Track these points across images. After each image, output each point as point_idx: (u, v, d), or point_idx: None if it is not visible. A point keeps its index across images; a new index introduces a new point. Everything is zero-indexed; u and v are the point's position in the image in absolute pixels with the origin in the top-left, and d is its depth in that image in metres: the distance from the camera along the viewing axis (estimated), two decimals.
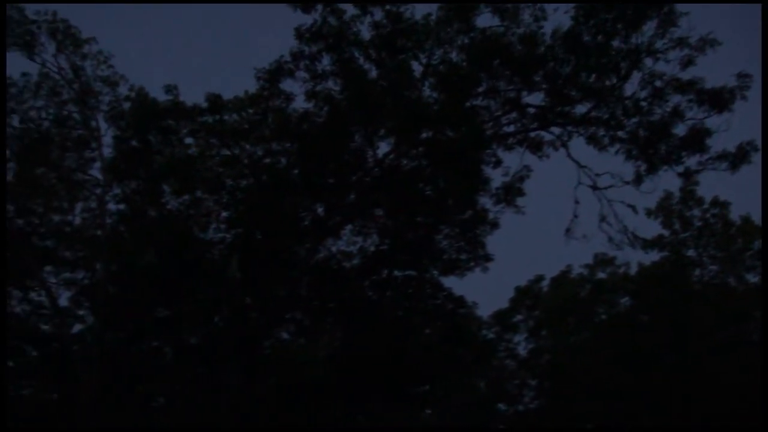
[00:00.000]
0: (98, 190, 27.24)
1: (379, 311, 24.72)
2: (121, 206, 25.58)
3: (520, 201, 24.22)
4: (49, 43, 26.18)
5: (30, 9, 25.39)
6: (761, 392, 24.81)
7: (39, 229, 27.77)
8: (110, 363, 24.65)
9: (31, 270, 26.07)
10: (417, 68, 22.66)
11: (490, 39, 22.04)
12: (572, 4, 21.50)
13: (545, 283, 39.48)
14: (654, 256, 32.75)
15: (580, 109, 22.93)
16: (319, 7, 21.67)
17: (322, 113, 22.44)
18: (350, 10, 21.92)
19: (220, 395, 23.13)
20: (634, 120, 22.56)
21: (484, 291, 28.22)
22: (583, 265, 38.18)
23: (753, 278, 33.05)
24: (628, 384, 32.66)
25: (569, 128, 23.38)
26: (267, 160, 24.05)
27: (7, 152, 26.25)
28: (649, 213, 32.02)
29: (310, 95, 22.30)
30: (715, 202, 33.14)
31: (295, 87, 22.54)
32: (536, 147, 23.72)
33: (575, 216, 23.84)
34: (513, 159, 23.86)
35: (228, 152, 24.36)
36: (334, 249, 25.27)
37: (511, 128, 23.80)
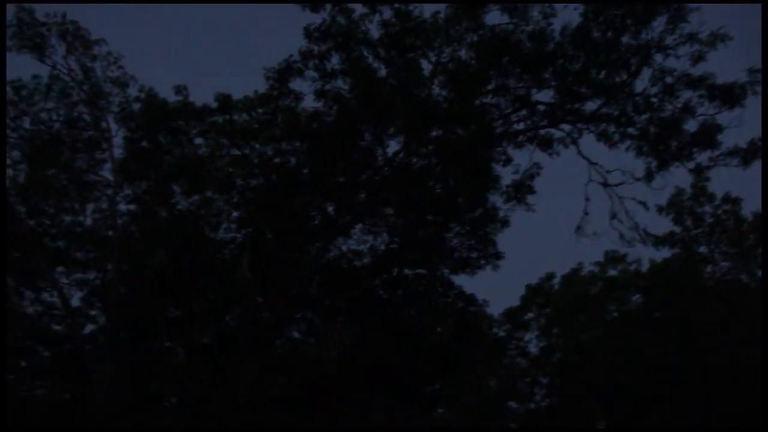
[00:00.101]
0: (109, 191, 27.32)
1: (389, 310, 24.69)
2: (132, 207, 25.65)
3: (530, 199, 24.20)
4: (59, 45, 26.31)
5: (40, 11, 25.53)
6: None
7: (50, 230, 27.87)
8: (122, 363, 24.70)
9: (42, 271, 26.15)
10: (426, 66, 22.73)
11: (499, 36, 22.01)
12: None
13: (556, 281, 39.44)
14: (665, 252, 32.76)
15: (591, 105, 22.94)
16: (328, 6, 21.69)
17: (331, 112, 22.44)
18: (359, 9, 21.98)
19: (232, 395, 23.16)
20: (645, 116, 22.52)
21: (494, 289, 28.12)
22: (594, 262, 38.19)
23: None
24: (639, 382, 32.56)
25: (579, 125, 23.34)
26: (277, 160, 24.06)
27: (19, 154, 26.41)
28: (660, 209, 31.91)
29: (320, 94, 22.31)
30: (727, 199, 33.00)
31: (304, 86, 22.61)
32: (546, 144, 23.69)
33: (586, 213, 23.84)
34: (523, 157, 23.97)
35: (238, 152, 24.40)
36: (344, 248, 25.26)
37: (521, 126, 23.80)
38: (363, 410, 27.66)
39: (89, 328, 28.18)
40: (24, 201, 27.21)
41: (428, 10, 22.22)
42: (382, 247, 25.04)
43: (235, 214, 25.05)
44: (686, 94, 21.93)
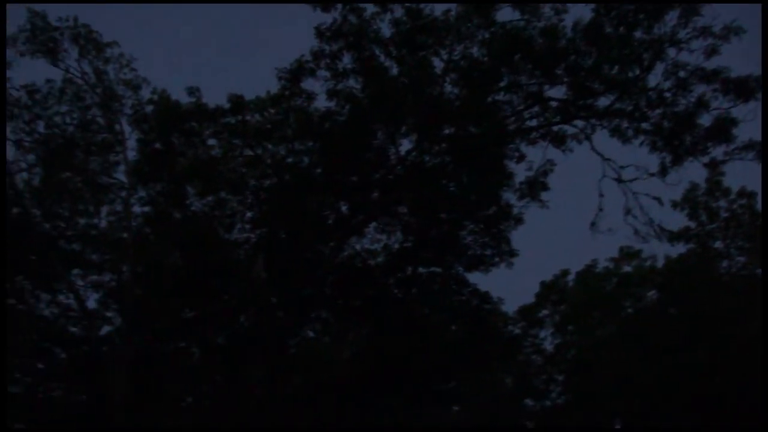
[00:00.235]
0: (123, 193, 27.40)
1: (404, 309, 24.71)
2: (146, 208, 25.80)
3: (544, 195, 24.13)
4: (72, 49, 26.39)
5: (52, 16, 25.66)
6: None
7: (66, 233, 28.01)
8: (138, 364, 24.82)
9: (58, 273, 26.30)
10: (438, 64, 22.63)
11: (510, 33, 21.92)
12: None
13: (571, 278, 39.28)
14: (680, 248, 32.46)
15: (604, 101, 22.76)
16: (339, 5, 21.68)
17: (343, 112, 22.46)
18: (370, 8, 21.94)
19: (247, 395, 23.23)
20: (659, 111, 22.34)
21: (509, 287, 28.10)
22: (608, 258, 37.99)
23: None
24: (655, 378, 32.41)
25: (592, 121, 23.20)
26: (290, 160, 24.13)
27: (34, 158, 26.57)
28: (674, 205, 31.66)
29: (332, 94, 22.32)
30: (742, 193, 32.72)
31: (316, 86, 22.63)
32: (559, 141, 23.56)
33: (600, 209, 23.70)
34: (536, 153, 23.87)
35: (251, 152, 24.46)
36: (358, 247, 25.30)
37: (534, 122, 23.67)
38: (378, 409, 27.67)
39: (105, 329, 28.34)
40: (39, 204, 27.37)
41: (439, 8, 22.21)
42: (396, 246, 25.07)
43: (248, 214, 25.15)
44: (700, 88, 21.73)
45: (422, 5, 21.96)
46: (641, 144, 22.77)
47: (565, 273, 39.35)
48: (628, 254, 37.17)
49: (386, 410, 27.96)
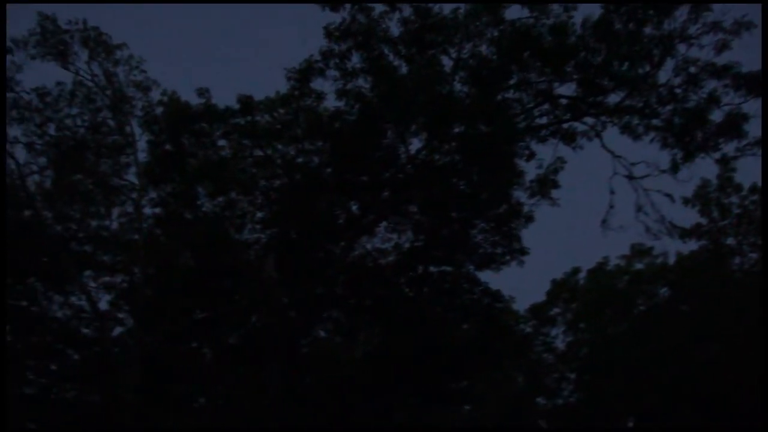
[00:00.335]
0: (134, 195, 27.53)
1: (415, 307, 24.67)
2: (157, 210, 25.87)
3: (555, 193, 24.09)
4: (81, 51, 26.52)
5: (62, 18, 25.79)
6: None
7: (77, 235, 28.17)
8: (150, 364, 24.91)
9: (71, 275, 26.43)
10: (447, 63, 22.61)
11: (519, 31, 21.88)
12: None
13: (582, 276, 39.18)
14: (692, 245, 32.37)
15: (614, 98, 22.72)
16: (348, 5, 21.68)
17: (353, 111, 22.44)
18: (378, 7, 21.94)
19: (260, 394, 23.27)
20: (669, 107, 22.26)
21: (520, 285, 28.04)
22: (620, 256, 37.88)
23: None
24: (668, 376, 32.31)
25: (603, 118, 23.14)
26: (300, 160, 24.15)
27: (45, 160, 26.69)
28: (686, 201, 31.49)
29: (341, 94, 22.30)
30: (754, 189, 32.54)
31: (325, 86, 22.61)
32: (570, 138, 23.50)
33: (611, 206, 23.62)
34: (546, 151, 23.68)
35: (261, 153, 24.50)
36: (369, 246, 25.26)
37: (544, 120, 23.62)
38: (389, 409, 27.67)
39: (117, 330, 28.50)
40: (51, 206, 27.52)
41: (448, 6, 22.19)
42: (407, 245, 25.04)
43: (259, 214, 25.19)
44: (711, 84, 21.64)
45: (431, 4, 21.99)
46: (652, 140, 22.71)
47: (576, 271, 39.27)
48: (639, 251, 37.05)
49: (398, 409, 27.97)
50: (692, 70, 21.72)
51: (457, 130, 22.36)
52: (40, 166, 26.74)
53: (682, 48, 21.63)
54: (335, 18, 21.72)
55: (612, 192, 23.56)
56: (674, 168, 22.62)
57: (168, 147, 24.82)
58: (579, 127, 23.48)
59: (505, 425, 37.82)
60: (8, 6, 23.07)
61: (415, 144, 23.03)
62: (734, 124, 21.69)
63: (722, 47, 21.15)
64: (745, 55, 21.48)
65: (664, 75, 22.02)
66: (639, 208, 23.35)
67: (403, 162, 23.05)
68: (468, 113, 21.80)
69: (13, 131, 25.80)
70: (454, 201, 23.26)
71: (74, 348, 28.29)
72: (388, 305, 24.66)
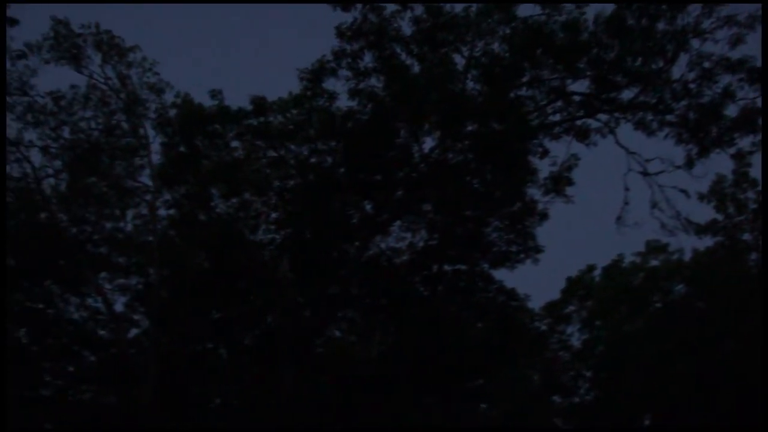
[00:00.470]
0: (148, 197, 27.64)
1: (430, 306, 24.65)
2: (172, 211, 25.96)
3: (569, 190, 24.03)
4: (95, 55, 26.66)
5: (75, 23, 25.94)
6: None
7: (93, 237, 28.32)
8: (166, 365, 25.01)
9: (86, 277, 26.56)
10: (459, 61, 22.59)
11: (531, 28, 21.83)
12: None
13: (597, 273, 39.01)
14: (708, 241, 32.14)
15: (627, 94, 22.61)
16: (359, 5, 21.68)
17: (366, 111, 22.43)
18: (390, 6, 21.93)
19: (275, 395, 23.31)
20: (683, 103, 22.15)
21: (535, 283, 27.94)
22: (635, 253, 37.69)
23: None
24: (685, 373, 32.12)
25: (616, 114, 23.05)
26: (313, 160, 24.15)
27: (60, 163, 26.85)
28: (701, 197, 31.25)
29: (354, 93, 22.29)
30: None
31: (338, 86, 22.61)
32: (583, 135, 23.44)
33: (626, 203, 23.54)
34: (560, 148, 23.67)
35: (274, 153, 24.55)
36: (383, 246, 25.25)
37: (557, 117, 23.58)
38: (405, 408, 27.65)
39: (133, 332, 28.65)
40: (66, 209, 27.67)
41: (459, 4, 22.17)
42: (421, 244, 25.03)
43: (273, 215, 25.21)
44: (725, 79, 21.52)
45: (442, 3, 21.96)
46: (666, 136, 22.61)
47: (591, 268, 39.08)
48: (655, 248, 36.83)
49: (413, 409, 27.93)
50: (706, 64, 21.59)
51: (470, 128, 22.31)
52: (55, 169, 26.88)
53: (695, 43, 21.55)
54: (346, 18, 21.77)
55: (627, 189, 23.50)
56: (689, 164, 22.52)
57: (182, 149, 24.92)
58: (593, 123, 23.46)
59: (521, 424, 37.70)
60: (21, 11, 23.28)
61: (428, 143, 23.05)
62: (749, 119, 21.57)
63: (736, 41, 21.02)
64: (760, 48, 21.31)
65: (677, 70, 21.96)
66: (654, 205, 23.28)
67: (417, 161, 23.03)
68: (481, 111, 21.76)
69: (29, 135, 26.00)
70: (467, 199, 23.21)
71: (90, 350, 28.44)
72: (403, 304, 24.64)
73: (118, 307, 27.84)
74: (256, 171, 24.73)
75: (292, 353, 23.16)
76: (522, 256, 24.77)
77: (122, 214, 28.69)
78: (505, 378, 33.98)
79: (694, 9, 21.14)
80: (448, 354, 24.22)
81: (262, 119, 24.13)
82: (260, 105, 23.84)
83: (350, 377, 25.74)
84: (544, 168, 23.69)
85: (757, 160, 23.90)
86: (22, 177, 26.31)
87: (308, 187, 23.61)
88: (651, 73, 21.90)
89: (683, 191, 23.03)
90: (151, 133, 27.16)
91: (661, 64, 21.89)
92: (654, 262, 37.25)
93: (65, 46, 25.90)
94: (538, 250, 24.71)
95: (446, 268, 25.22)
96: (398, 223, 24.78)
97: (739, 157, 23.19)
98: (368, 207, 24.10)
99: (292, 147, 24.42)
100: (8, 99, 25.16)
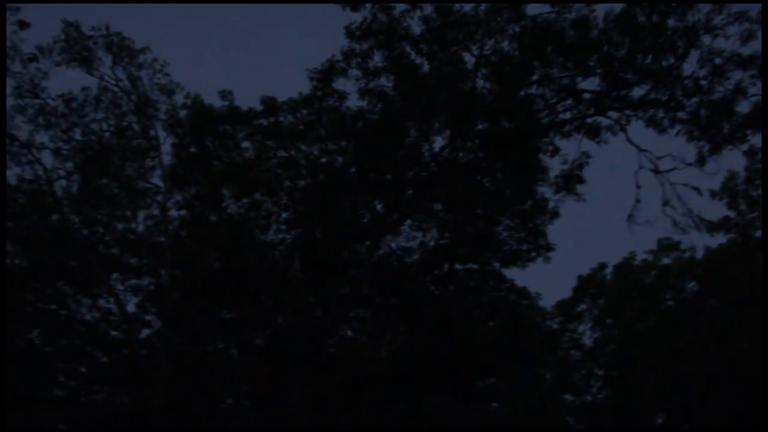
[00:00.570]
0: (159, 198, 27.73)
1: (441, 306, 24.64)
2: (183, 212, 26.01)
3: (580, 188, 23.95)
4: (105, 57, 26.76)
5: (86, 25, 26.05)
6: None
7: (104, 238, 28.44)
8: (178, 366, 25.09)
9: (98, 278, 26.68)
10: (469, 60, 22.55)
11: (541, 26, 21.79)
12: None
13: (608, 271, 38.88)
14: (720, 238, 31.96)
15: (638, 91, 22.54)
16: (368, 5, 21.67)
17: (376, 110, 22.43)
18: (399, 6, 21.92)
19: (286, 394, 23.34)
20: (695, 100, 22.07)
21: (546, 281, 27.90)
22: (647, 251, 37.55)
23: None
24: (698, 371, 31.97)
25: (627, 112, 22.98)
26: (323, 160, 24.17)
27: (72, 165, 26.96)
28: (713, 194, 31.03)
29: (363, 93, 22.29)
30: None
31: (347, 85, 22.61)
32: (594, 133, 23.37)
33: (637, 201, 23.46)
34: (571, 146, 23.56)
35: (285, 154, 24.57)
36: (394, 245, 25.27)
37: (568, 115, 23.54)
38: (417, 408, 27.64)
39: (145, 332, 28.74)
40: (78, 211, 27.80)
41: (468, 3, 22.13)
42: (432, 243, 25.01)
43: (284, 215, 25.24)
44: (737, 75, 21.44)
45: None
46: (678, 133, 22.52)
47: (602, 266, 38.95)
48: (666, 246, 36.68)
49: (425, 408, 27.92)
50: (717, 61, 21.50)
51: (480, 127, 22.28)
52: (66, 171, 27.03)
53: (706, 39, 21.45)
54: (356, 17, 21.76)
55: (638, 186, 23.42)
56: (701, 161, 22.41)
57: (192, 149, 24.96)
58: (603, 121, 23.41)
59: (533, 423, 37.62)
60: (32, 13, 23.41)
61: (439, 142, 23.03)
62: (762, 115, 21.42)
63: (748, 37, 20.91)
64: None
65: (688, 67, 21.88)
66: (666, 202, 23.19)
67: (427, 160, 23.01)
68: (491, 110, 21.73)
69: (40, 137, 26.14)
70: (478, 198, 23.18)
71: (103, 350, 28.57)
72: (414, 304, 24.64)
73: (130, 308, 27.96)
74: (267, 171, 24.75)
75: (303, 353, 23.18)
76: (533, 254, 24.71)
77: (133, 215, 28.81)
78: (517, 377, 33.91)
79: (705, 5, 21.05)
80: (459, 353, 24.19)
81: (272, 119, 24.15)
82: (270, 105, 23.86)
83: (361, 377, 25.74)
84: (554, 166, 23.72)
85: None
86: (35, 179, 26.47)
87: (319, 187, 23.63)
88: (662, 70, 21.82)
89: (695, 188, 22.96)
90: (161, 134, 27.30)
91: (671, 60, 21.81)
92: (666, 260, 37.10)
93: (76, 48, 26.00)
94: (549, 248, 24.65)
95: (457, 267, 25.21)
96: (409, 222, 24.79)
97: (751, 153, 23.00)
98: (379, 206, 24.11)
99: (303, 147, 24.45)
100: (20, 102, 25.34)
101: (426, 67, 22.41)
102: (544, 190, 23.84)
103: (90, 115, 26.73)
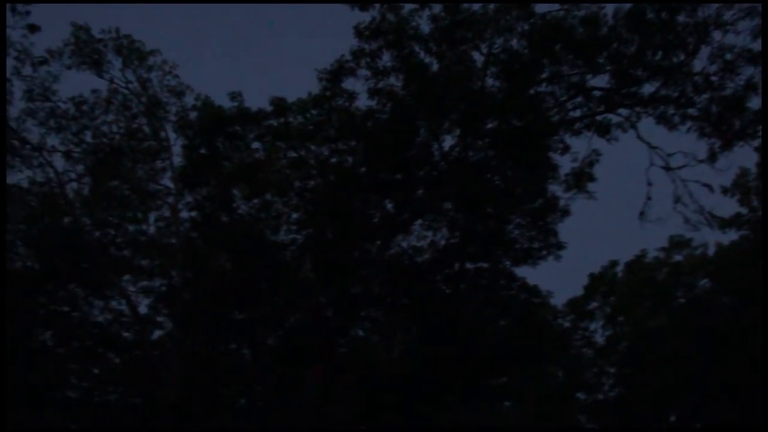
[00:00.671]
0: (170, 199, 27.83)
1: (452, 305, 24.58)
2: (194, 213, 26.06)
3: (591, 186, 23.87)
4: (115, 59, 26.90)
5: (96, 28, 26.21)
6: None
7: (115, 240, 28.58)
8: (190, 366, 25.16)
9: (110, 280, 26.80)
10: (478, 58, 22.49)
11: (550, 24, 21.71)
12: None
13: (620, 269, 38.80)
14: (732, 235, 31.88)
15: (648, 88, 22.43)
16: (377, 4, 21.67)
17: (385, 110, 22.39)
18: (408, 5, 21.91)
19: (298, 395, 23.37)
20: (705, 96, 21.93)
21: (557, 279, 27.78)
22: (658, 248, 37.46)
23: None
24: (710, 369, 31.85)
25: (637, 109, 22.88)
26: (333, 160, 24.16)
27: (83, 167, 27.09)
28: (725, 191, 30.83)
29: (373, 92, 22.24)
30: None
31: (357, 85, 22.57)
32: (604, 130, 23.28)
33: (649, 198, 23.37)
34: (581, 144, 23.56)
35: (294, 154, 24.58)
36: (404, 245, 25.19)
37: (578, 113, 23.42)
38: (429, 407, 27.62)
39: (157, 334, 28.86)
40: (89, 213, 27.92)
41: (477, 3, 22.10)
42: (443, 242, 24.92)
43: (294, 215, 25.26)
44: (748, 71, 21.28)
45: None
46: (688, 130, 22.41)
47: (614, 264, 38.87)
48: (678, 243, 36.60)
49: (437, 408, 27.90)
50: (728, 57, 21.35)
51: (490, 125, 22.25)
52: (77, 173, 27.22)
53: (717, 35, 21.29)
54: (364, 17, 21.75)
55: (649, 183, 23.32)
56: (712, 157, 22.30)
57: (203, 151, 24.98)
58: (613, 118, 23.28)
59: (545, 422, 37.57)
60: (42, 16, 23.53)
61: (448, 141, 22.96)
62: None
63: (759, 32, 20.76)
64: None
65: (699, 63, 21.73)
66: (677, 199, 23.08)
67: (437, 159, 22.97)
68: (501, 108, 21.69)
69: (51, 140, 26.30)
70: (489, 197, 23.12)
71: (115, 352, 28.70)
72: (425, 303, 24.59)
73: (142, 309, 28.11)
74: (277, 172, 24.78)
75: (315, 353, 23.19)
76: (544, 252, 24.58)
77: (144, 216, 28.94)
78: (529, 376, 33.86)
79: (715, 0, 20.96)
80: (471, 352, 24.15)
81: (282, 120, 24.15)
82: (280, 106, 23.86)
83: (373, 377, 25.74)
84: (565, 164, 23.65)
85: None
86: (46, 182, 26.63)
87: (329, 187, 23.63)
88: (672, 66, 21.72)
89: (706, 185, 22.85)
90: (172, 135, 27.43)
91: (682, 57, 21.69)
92: (677, 257, 37.03)
93: (86, 51, 26.16)
94: (560, 246, 24.52)
95: (468, 266, 25.11)
96: (419, 221, 24.71)
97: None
98: (389, 206, 24.07)
99: (313, 147, 24.44)
100: (31, 105, 25.48)
101: (435, 66, 22.37)
102: (555, 188, 23.78)
103: (100, 118, 26.92)
